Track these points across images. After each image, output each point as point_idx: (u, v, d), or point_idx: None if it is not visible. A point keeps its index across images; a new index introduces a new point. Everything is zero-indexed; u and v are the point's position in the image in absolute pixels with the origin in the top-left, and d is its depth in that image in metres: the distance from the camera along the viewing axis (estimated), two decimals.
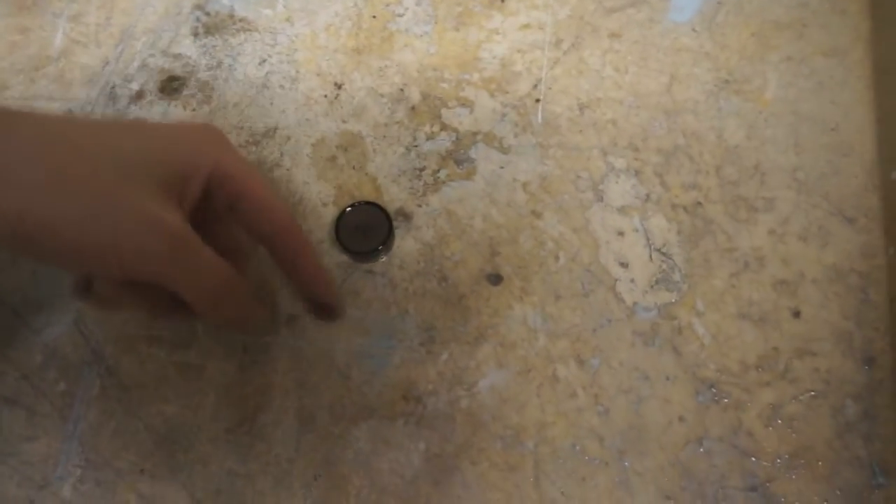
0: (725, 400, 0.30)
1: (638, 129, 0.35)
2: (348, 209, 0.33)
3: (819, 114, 0.34)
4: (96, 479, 0.30)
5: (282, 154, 0.35)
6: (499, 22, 0.37)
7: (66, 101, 0.37)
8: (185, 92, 0.37)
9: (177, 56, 0.37)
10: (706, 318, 0.31)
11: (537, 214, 0.34)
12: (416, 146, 0.35)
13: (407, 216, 0.34)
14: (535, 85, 0.36)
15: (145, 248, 0.23)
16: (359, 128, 0.36)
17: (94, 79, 0.37)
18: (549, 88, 0.36)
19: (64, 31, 0.38)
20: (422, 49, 0.37)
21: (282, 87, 0.37)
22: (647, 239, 0.33)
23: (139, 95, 0.37)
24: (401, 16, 0.38)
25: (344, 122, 0.36)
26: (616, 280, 0.32)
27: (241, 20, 0.38)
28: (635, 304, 0.32)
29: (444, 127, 0.35)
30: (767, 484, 0.29)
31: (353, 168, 0.35)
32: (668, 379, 0.31)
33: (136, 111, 0.36)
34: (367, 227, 0.33)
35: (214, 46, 0.38)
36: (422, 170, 0.35)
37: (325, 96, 0.36)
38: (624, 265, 0.32)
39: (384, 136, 0.35)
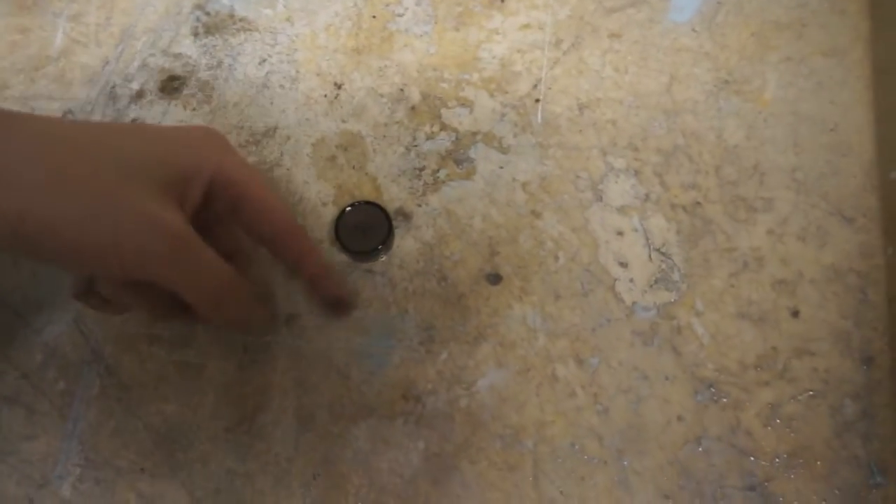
0: (724, 399, 0.30)
1: (637, 129, 0.35)
2: (348, 209, 0.33)
3: (818, 114, 0.34)
4: (96, 478, 0.30)
5: (282, 154, 0.35)
6: (499, 22, 0.37)
7: (66, 101, 0.37)
8: (186, 91, 0.37)
9: (177, 56, 0.38)
10: (705, 317, 0.32)
11: (537, 214, 0.34)
12: (415, 146, 0.35)
13: (406, 216, 0.34)
14: (534, 85, 0.36)
15: (146, 248, 0.23)
16: (359, 127, 0.36)
17: (94, 78, 0.37)
18: (549, 88, 0.36)
19: (64, 30, 0.38)
20: (422, 49, 0.37)
21: (282, 86, 0.37)
22: (647, 239, 0.33)
23: (139, 95, 0.37)
24: (401, 16, 0.38)
25: (344, 121, 0.36)
26: (615, 280, 0.32)
27: (241, 20, 0.38)
28: (634, 303, 0.32)
29: (443, 127, 0.35)
30: (766, 483, 0.29)
31: (353, 168, 0.35)
32: (667, 378, 0.31)
33: (136, 111, 0.36)
34: (367, 227, 0.33)
35: (215, 46, 0.38)
36: (421, 169, 0.35)
37: (325, 96, 0.36)
38: (623, 265, 0.33)
39: (384, 136, 0.35)
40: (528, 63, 0.36)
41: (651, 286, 0.32)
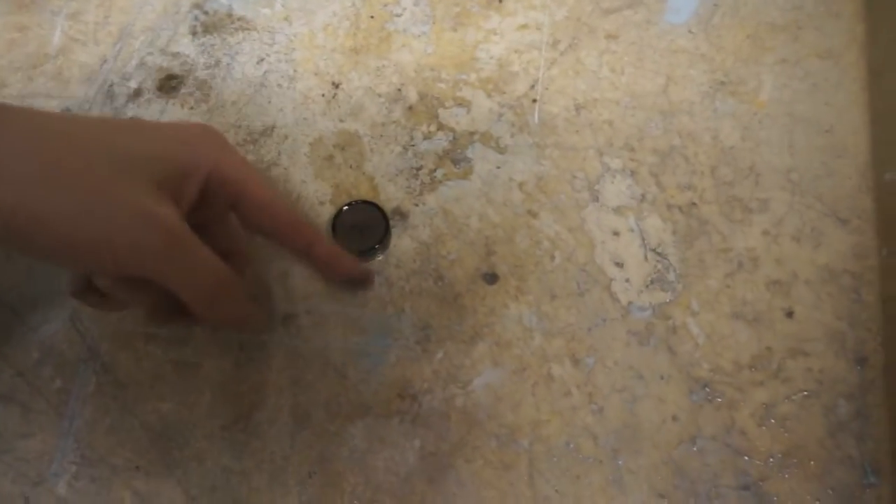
0: (719, 399, 0.30)
1: (634, 129, 0.35)
2: (345, 208, 0.33)
3: (813, 115, 0.35)
4: (91, 476, 0.30)
5: (279, 153, 0.35)
6: (496, 22, 0.37)
7: (64, 99, 0.37)
8: (183, 90, 0.37)
9: (175, 54, 0.38)
10: (700, 317, 0.32)
11: (533, 214, 0.34)
12: (413, 146, 0.35)
13: (403, 215, 0.34)
14: (532, 85, 0.36)
15: (140, 244, 0.23)
16: (356, 127, 0.36)
17: (92, 77, 0.37)
18: (546, 89, 0.36)
19: (62, 29, 0.38)
20: (419, 49, 0.37)
21: (280, 86, 0.37)
22: (643, 239, 0.33)
23: (137, 93, 0.37)
24: (399, 16, 0.38)
25: (341, 121, 0.36)
26: (611, 280, 0.32)
27: (239, 19, 0.38)
28: (630, 303, 0.32)
29: (441, 127, 0.36)
30: (760, 483, 0.29)
31: (351, 167, 0.35)
32: (662, 378, 0.31)
33: (133, 109, 0.36)
34: (364, 226, 0.33)
35: (213, 45, 0.38)
36: (419, 169, 0.35)
37: (323, 95, 0.37)
38: (619, 265, 0.33)
39: (381, 136, 0.36)
40: (525, 63, 0.37)
41: (647, 286, 0.32)
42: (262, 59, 0.37)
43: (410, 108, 0.36)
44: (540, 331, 0.32)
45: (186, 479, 0.30)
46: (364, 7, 0.38)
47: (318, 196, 0.35)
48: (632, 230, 0.33)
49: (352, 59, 0.37)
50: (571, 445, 0.30)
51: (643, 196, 0.34)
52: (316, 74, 0.37)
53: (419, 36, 0.37)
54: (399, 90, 0.36)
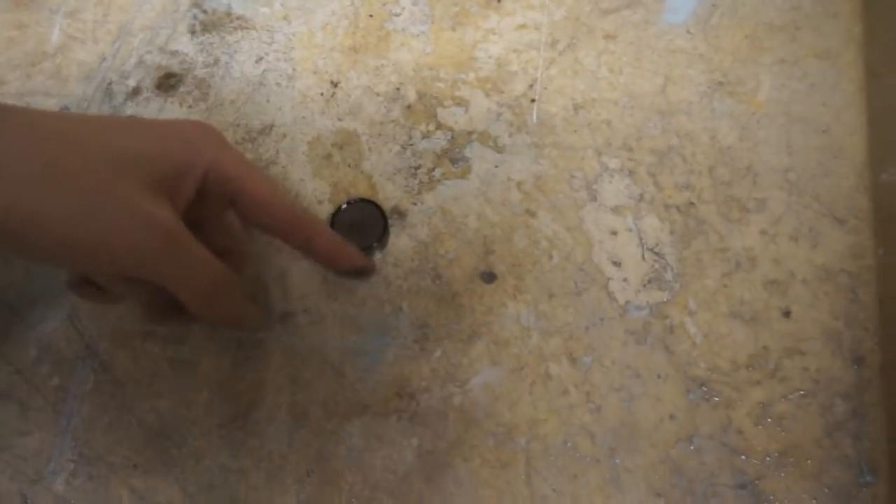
0: (716, 398, 0.30)
1: (632, 129, 0.35)
2: (344, 206, 0.33)
3: (811, 116, 0.35)
4: (89, 474, 0.30)
5: (278, 151, 0.35)
6: (495, 22, 0.38)
7: (63, 97, 0.37)
8: (182, 89, 0.37)
9: (174, 53, 0.38)
10: (698, 317, 0.32)
11: (531, 213, 0.34)
12: (411, 145, 0.35)
13: (402, 214, 0.34)
14: (530, 85, 0.36)
15: (138, 245, 0.23)
16: (354, 126, 0.36)
17: (90, 75, 0.37)
18: (545, 88, 0.36)
19: (61, 27, 0.38)
20: (418, 48, 0.37)
21: (278, 84, 0.37)
22: (640, 238, 0.33)
23: (135, 92, 0.37)
24: (397, 15, 0.38)
25: (340, 120, 0.36)
26: (609, 279, 0.32)
27: (238, 18, 0.38)
28: (628, 302, 0.32)
29: (439, 126, 0.36)
30: (757, 481, 0.29)
31: (349, 166, 0.35)
32: (659, 377, 0.31)
33: (132, 107, 0.36)
34: (363, 224, 0.33)
35: (211, 44, 0.38)
36: (417, 168, 0.35)
37: (322, 94, 0.37)
38: (617, 264, 0.33)
39: (380, 135, 0.36)
40: (523, 63, 0.37)
41: (644, 285, 0.32)
42: (261, 58, 0.37)
43: (409, 107, 0.36)
44: (538, 330, 0.32)
45: (184, 478, 0.30)
46: (363, 6, 0.38)
47: (316, 195, 0.35)
48: (629, 230, 0.33)
49: (350, 58, 0.37)
50: (569, 444, 0.30)
51: (641, 196, 0.34)
52: (314, 73, 0.37)
53: (418, 35, 0.37)
54: (397, 89, 0.36)
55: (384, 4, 0.38)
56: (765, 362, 0.31)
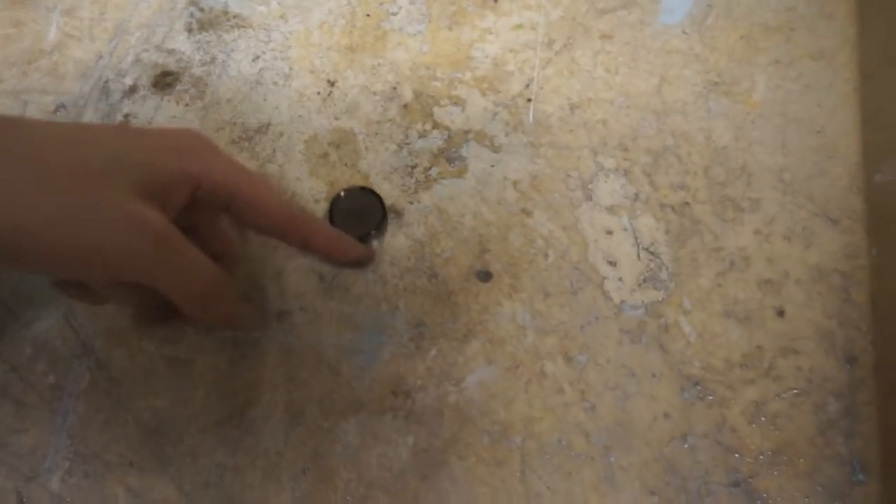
0: (710, 397, 0.31)
1: (628, 129, 0.35)
2: (342, 194, 0.34)
3: (805, 116, 0.35)
4: (85, 472, 0.30)
5: (274, 150, 0.36)
6: (492, 22, 0.38)
7: (59, 95, 0.37)
8: (179, 87, 0.37)
9: (170, 51, 0.38)
10: (692, 316, 0.32)
11: (527, 213, 0.34)
12: (407, 144, 0.35)
13: (398, 213, 0.34)
14: (526, 84, 0.36)
15: (129, 248, 0.23)
16: (351, 125, 0.36)
17: (87, 73, 0.37)
18: (541, 88, 0.36)
19: (58, 24, 0.38)
20: (415, 48, 0.37)
21: (275, 83, 0.37)
22: (636, 238, 0.33)
23: (132, 90, 0.37)
24: (394, 14, 0.38)
25: (336, 119, 0.36)
26: (604, 278, 0.33)
27: (235, 16, 0.38)
28: (623, 301, 0.32)
29: (436, 125, 0.36)
30: (750, 480, 0.29)
31: (346, 165, 0.35)
32: (654, 376, 0.31)
33: (129, 106, 0.36)
34: (361, 212, 0.33)
35: (208, 42, 0.38)
36: (413, 167, 0.35)
37: (319, 93, 0.37)
38: (612, 263, 0.33)
39: (376, 134, 0.36)
40: (520, 63, 0.37)
41: (639, 285, 0.32)
42: (258, 57, 0.37)
43: (405, 106, 0.36)
44: (533, 328, 0.32)
45: (180, 476, 0.30)
46: (360, 5, 0.38)
47: (312, 193, 0.35)
48: (625, 229, 0.33)
49: (347, 57, 0.37)
50: (563, 442, 0.30)
51: (636, 195, 0.34)
52: (311, 72, 0.37)
53: (415, 35, 0.38)
54: (394, 88, 0.36)
55: (381, 4, 0.38)
56: (759, 361, 0.31)
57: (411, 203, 0.34)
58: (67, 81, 0.37)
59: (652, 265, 0.33)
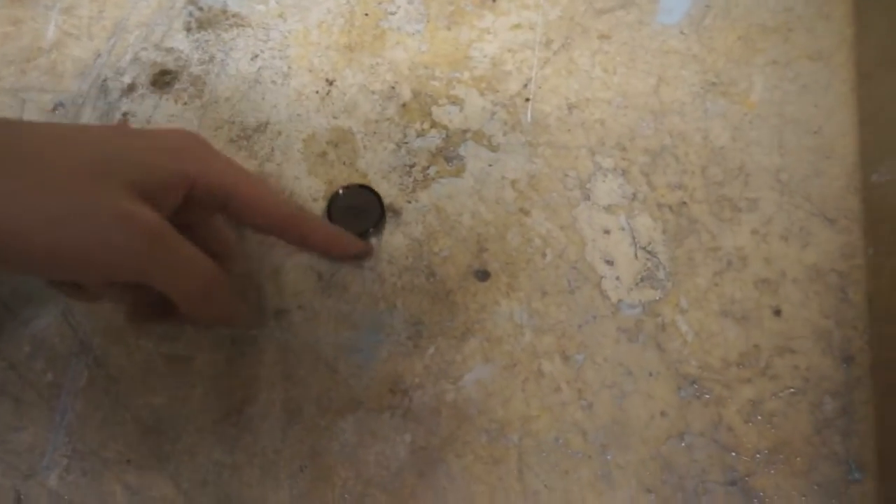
0: (707, 396, 0.31)
1: (625, 129, 0.35)
2: (341, 191, 0.34)
3: (803, 116, 0.35)
4: (83, 469, 0.30)
5: (273, 149, 0.36)
6: (490, 21, 0.38)
7: (58, 93, 0.37)
8: (177, 86, 0.37)
9: (169, 50, 0.38)
10: (689, 315, 0.32)
11: (525, 212, 0.34)
12: (406, 143, 0.35)
13: (396, 212, 0.34)
14: (524, 84, 0.36)
15: (125, 247, 0.23)
16: (349, 124, 0.36)
17: (85, 71, 0.37)
18: (539, 88, 0.36)
19: (56, 23, 0.38)
20: (413, 47, 0.37)
21: (274, 82, 0.37)
22: (633, 237, 0.33)
23: (131, 88, 0.37)
24: (393, 14, 0.38)
25: (335, 118, 0.36)
26: (602, 277, 0.33)
27: (233, 15, 0.38)
28: (620, 301, 0.32)
29: (434, 124, 0.36)
30: (747, 478, 0.29)
31: (344, 164, 0.35)
32: (651, 375, 0.31)
33: (127, 104, 0.36)
34: (359, 209, 0.33)
35: (207, 41, 0.38)
36: (412, 166, 0.35)
37: (317, 92, 0.37)
38: (610, 263, 0.33)
39: (375, 133, 0.36)
40: (518, 62, 0.37)
41: (637, 284, 0.33)
42: (257, 56, 0.37)
43: (404, 105, 0.36)
44: (530, 327, 0.32)
45: (178, 473, 0.30)
46: (358, 5, 0.38)
47: (311, 192, 0.35)
48: (622, 228, 0.33)
49: (346, 56, 0.37)
50: (561, 441, 0.30)
51: (634, 195, 0.34)
52: (310, 71, 0.37)
53: (413, 34, 0.38)
54: (393, 88, 0.37)
55: (380, 3, 0.38)
56: (755, 360, 0.31)
57: (409, 202, 0.34)
58: (66, 80, 0.37)
59: (649, 264, 0.33)
